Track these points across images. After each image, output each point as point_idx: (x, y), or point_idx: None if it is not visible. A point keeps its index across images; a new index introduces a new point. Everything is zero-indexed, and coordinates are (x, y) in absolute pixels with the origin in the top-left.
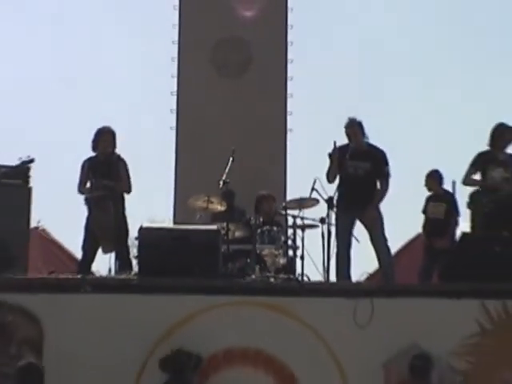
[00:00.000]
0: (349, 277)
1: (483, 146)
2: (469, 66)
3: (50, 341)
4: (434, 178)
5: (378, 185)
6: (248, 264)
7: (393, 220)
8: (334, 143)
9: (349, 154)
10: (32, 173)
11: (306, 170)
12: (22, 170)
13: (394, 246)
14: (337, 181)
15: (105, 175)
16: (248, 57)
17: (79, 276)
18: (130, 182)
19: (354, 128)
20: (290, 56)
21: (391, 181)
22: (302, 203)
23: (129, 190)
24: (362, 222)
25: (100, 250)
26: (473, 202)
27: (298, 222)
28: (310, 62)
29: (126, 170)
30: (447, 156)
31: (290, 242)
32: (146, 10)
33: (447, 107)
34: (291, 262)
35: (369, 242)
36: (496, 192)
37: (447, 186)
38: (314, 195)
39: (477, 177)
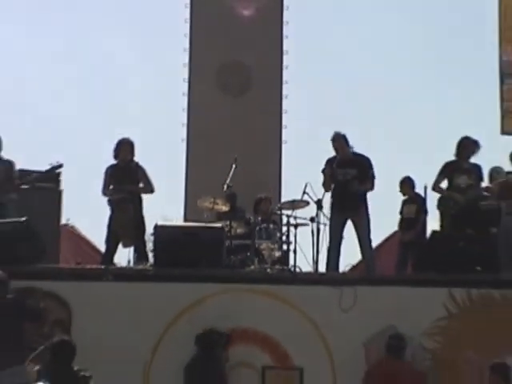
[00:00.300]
0: (337, 268)
1: (450, 155)
2: (440, 86)
3: (77, 322)
4: (407, 184)
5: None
6: (248, 257)
7: (374, 220)
8: (326, 162)
9: (336, 163)
10: (62, 177)
11: (298, 176)
12: (53, 175)
13: (375, 241)
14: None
15: (125, 180)
16: (248, 78)
17: (103, 266)
18: (152, 184)
19: (340, 141)
20: (284, 78)
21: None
22: (295, 204)
23: (152, 191)
24: (353, 222)
25: (120, 245)
26: (441, 205)
27: (291, 220)
28: (302, 83)
29: (146, 175)
30: (420, 164)
31: (284, 237)
32: (160, 36)
33: (420, 125)
34: (285, 255)
35: (351, 239)
36: (461, 196)
37: (420, 190)
38: (305, 198)
39: (444, 183)
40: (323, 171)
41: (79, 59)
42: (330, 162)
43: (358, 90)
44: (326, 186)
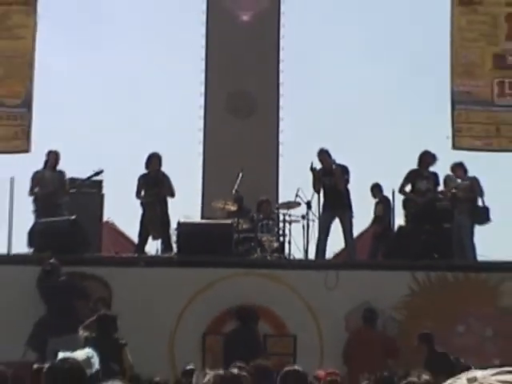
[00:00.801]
0: (324, 256)
1: (413, 165)
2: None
3: (116, 299)
4: (376, 188)
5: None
6: (252, 247)
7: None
8: (311, 164)
9: (321, 173)
10: (104, 183)
11: (292, 183)
12: (96, 182)
13: (354, 234)
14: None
15: (153, 186)
16: (252, 105)
17: (136, 255)
18: (174, 189)
19: (324, 155)
20: (281, 104)
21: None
22: (289, 205)
23: (173, 195)
24: (340, 219)
25: (150, 238)
26: (406, 205)
27: (287, 218)
28: (295, 108)
29: (170, 182)
30: (389, 172)
31: (280, 231)
32: (181, 73)
33: (390, 142)
34: (282, 245)
35: (336, 232)
36: (421, 198)
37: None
38: (298, 200)
39: (408, 187)
40: (311, 169)
41: (114, 83)
42: (319, 171)
43: (342, 114)
44: (315, 188)
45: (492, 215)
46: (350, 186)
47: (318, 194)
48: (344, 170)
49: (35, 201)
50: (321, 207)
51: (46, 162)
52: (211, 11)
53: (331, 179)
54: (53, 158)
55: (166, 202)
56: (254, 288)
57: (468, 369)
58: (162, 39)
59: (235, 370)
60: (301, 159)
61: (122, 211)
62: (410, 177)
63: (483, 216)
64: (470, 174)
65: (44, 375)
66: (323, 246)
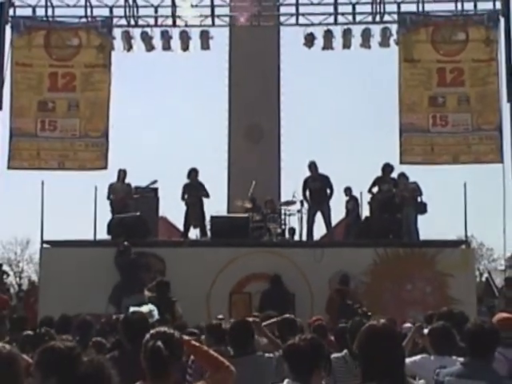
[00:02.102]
0: (312, 238)
1: (375, 173)
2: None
3: (169, 270)
4: (348, 190)
5: (328, 191)
6: (262, 232)
7: (333, 211)
8: (304, 180)
9: (310, 180)
10: (159, 189)
11: (289, 188)
12: (153, 189)
13: (334, 222)
14: None
15: (193, 191)
16: (261, 133)
17: (182, 239)
18: (208, 193)
19: (312, 166)
20: (282, 132)
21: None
22: (288, 203)
23: (208, 196)
24: (322, 212)
25: (192, 227)
26: (371, 201)
27: (287, 212)
28: (292, 136)
29: (205, 188)
30: (357, 178)
31: (282, 222)
32: (209, 112)
33: (359, 157)
34: (283, 231)
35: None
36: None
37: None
38: (293, 199)
39: (375, 189)
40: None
41: (163, 121)
42: (307, 179)
43: (326, 138)
44: (304, 196)
45: (428, 208)
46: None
47: (304, 197)
48: (327, 178)
49: (111, 203)
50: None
51: (118, 177)
52: (232, 76)
53: (316, 184)
54: (122, 174)
55: (202, 202)
56: (264, 261)
57: (366, 314)
58: (199, 90)
59: (248, 318)
60: (296, 171)
61: (172, 209)
62: (376, 181)
63: (423, 209)
64: (413, 180)
65: (120, 323)
66: (311, 231)
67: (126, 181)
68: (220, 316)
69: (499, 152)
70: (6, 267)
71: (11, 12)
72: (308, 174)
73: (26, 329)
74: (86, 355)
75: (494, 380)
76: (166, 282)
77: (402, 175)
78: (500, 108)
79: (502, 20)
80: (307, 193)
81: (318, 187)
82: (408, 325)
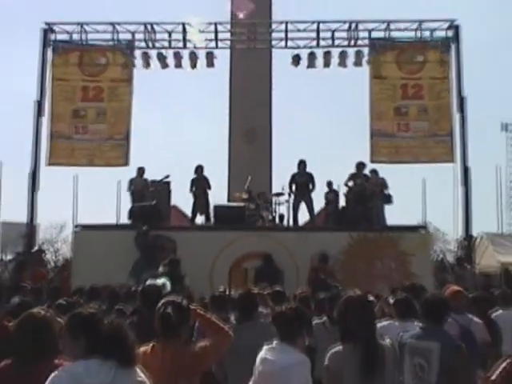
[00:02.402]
0: (297, 223)
1: (351, 170)
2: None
3: (180, 250)
4: (329, 184)
5: (311, 186)
6: (256, 219)
7: (316, 201)
8: (292, 175)
9: (297, 175)
10: (171, 184)
11: (279, 181)
12: (166, 182)
13: (316, 210)
14: None
15: (199, 184)
16: (255, 134)
17: (190, 224)
18: (210, 186)
19: (301, 164)
20: (273, 134)
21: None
22: (278, 194)
23: (210, 189)
24: (305, 202)
25: (198, 214)
26: (347, 193)
27: (277, 202)
28: (281, 136)
29: (209, 182)
30: (336, 174)
31: (273, 210)
32: (214, 117)
33: (336, 159)
34: (274, 218)
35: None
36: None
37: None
38: (282, 191)
39: (350, 183)
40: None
41: (174, 127)
42: (294, 175)
43: (311, 139)
44: (291, 189)
45: (394, 200)
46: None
47: (291, 189)
48: (311, 175)
49: (131, 194)
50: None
51: (137, 173)
52: (232, 88)
53: (302, 179)
54: (141, 171)
55: (207, 194)
56: (257, 242)
57: (337, 288)
58: (204, 100)
59: (248, 289)
60: (284, 168)
61: (182, 199)
62: (351, 177)
63: (388, 200)
64: (381, 175)
65: (139, 293)
66: (296, 217)
67: (144, 176)
68: (221, 288)
69: (451, 153)
70: (45, 246)
71: (52, 37)
72: (296, 170)
73: (60, 298)
74: (110, 320)
75: (446, 340)
76: (177, 260)
77: (374, 171)
78: (451, 117)
79: (453, 46)
80: (293, 186)
81: (303, 182)
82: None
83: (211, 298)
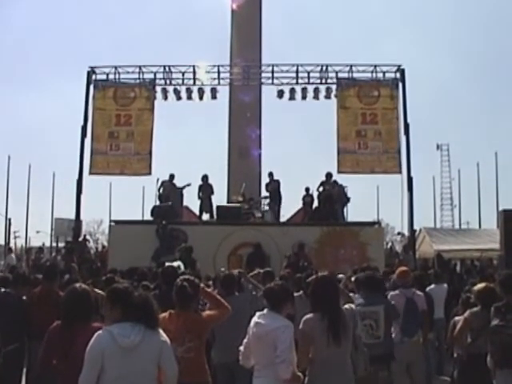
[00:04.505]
0: (279, 219)
1: (323, 178)
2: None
3: (191, 239)
4: (306, 190)
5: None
6: (249, 216)
7: (293, 204)
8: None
9: (269, 185)
10: (185, 189)
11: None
12: (181, 188)
13: (292, 211)
14: None
15: (206, 190)
16: (247, 149)
17: (198, 220)
18: (213, 191)
19: (270, 176)
20: (262, 152)
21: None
22: (265, 197)
23: (213, 193)
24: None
25: (204, 213)
26: (319, 197)
27: (264, 203)
28: (269, 152)
29: (212, 188)
30: (311, 181)
31: (261, 209)
32: (217, 139)
33: (307, 168)
34: (262, 215)
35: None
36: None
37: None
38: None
39: (321, 188)
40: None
41: (185, 144)
42: (267, 183)
43: (287, 157)
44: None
45: (356, 202)
46: (292, 188)
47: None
48: (277, 184)
49: (159, 194)
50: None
51: (169, 178)
52: (231, 116)
53: (273, 187)
54: (171, 177)
55: (210, 198)
56: (250, 234)
57: (312, 269)
58: (209, 124)
59: (236, 271)
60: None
61: (191, 201)
62: (322, 184)
63: (347, 200)
64: (345, 183)
65: (160, 273)
66: (278, 215)
67: (173, 182)
68: (222, 269)
69: (399, 166)
70: (87, 237)
71: (94, 77)
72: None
73: (100, 276)
74: (139, 293)
75: (387, 304)
76: (190, 247)
77: (335, 181)
78: (399, 139)
79: (400, 84)
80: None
81: (273, 188)
82: (341, 275)
83: (215, 278)
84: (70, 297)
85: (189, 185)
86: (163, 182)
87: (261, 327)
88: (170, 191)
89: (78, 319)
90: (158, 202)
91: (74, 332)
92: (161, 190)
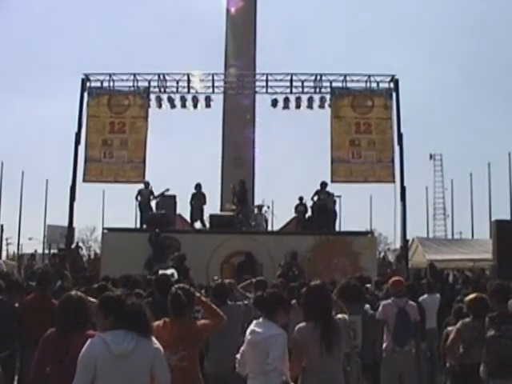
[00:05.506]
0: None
1: (317, 187)
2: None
3: (183, 248)
4: (300, 199)
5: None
6: (243, 225)
7: (287, 213)
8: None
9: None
10: (177, 197)
11: (259, 197)
12: (172, 196)
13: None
14: None
15: (199, 199)
16: (241, 160)
17: (190, 228)
18: (206, 201)
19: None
20: (255, 161)
21: (291, 199)
22: (258, 207)
23: (206, 203)
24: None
25: (196, 221)
26: (312, 206)
27: (256, 211)
28: (260, 163)
29: (205, 196)
30: (305, 191)
31: (254, 218)
32: (206, 151)
33: (304, 178)
34: (256, 224)
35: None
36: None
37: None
38: (262, 203)
39: (316, 197)
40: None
41: (181, 155)
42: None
43: (278, 168)
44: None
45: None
46: (286, 197)
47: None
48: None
49: (138, 203)
50: None
51: (145, 186)
52: (225, 125)
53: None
54: (147, 184)
55: (202, 206)
56: (243, 243)
57: (302, 276)
58: (203, 133)
59: (226, 280)
60: (263, 186)
61: (184, 209)
62: (316, 193)
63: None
64: (338, 193)
65: (153, 280)
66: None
67: (149, 188)
68: (215, 277)
69: (392, 176)
70: (80, 244)
71: (88, 84)
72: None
73: (92, 284)
74: (132, 301)
75: (365, 315)
76: (183, 255)
77: (327, 192)
78: (393, 148)
79: (394, 94)
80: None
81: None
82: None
83: (208, 287)
84: (65, 304)
85: (167, 190)
86: (140, 190)
87: (255, 335)
88: (148, 198)
89: (73, 327)
90: (139, 211)
91: (70, 340)
92: (138, 198)
